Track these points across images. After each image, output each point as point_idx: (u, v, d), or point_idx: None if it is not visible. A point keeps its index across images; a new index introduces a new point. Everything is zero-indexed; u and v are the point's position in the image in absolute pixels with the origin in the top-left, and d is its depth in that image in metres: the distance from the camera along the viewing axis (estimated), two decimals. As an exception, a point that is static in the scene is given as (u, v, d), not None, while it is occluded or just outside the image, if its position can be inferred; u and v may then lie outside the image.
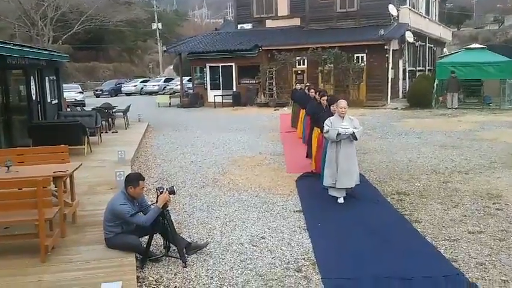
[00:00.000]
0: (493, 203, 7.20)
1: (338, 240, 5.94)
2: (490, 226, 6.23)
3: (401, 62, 25.83)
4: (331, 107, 7.73)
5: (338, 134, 6.96)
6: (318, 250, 5.58)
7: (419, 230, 6.20)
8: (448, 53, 31.49)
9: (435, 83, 22.29)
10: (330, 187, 7.40)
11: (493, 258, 5.21)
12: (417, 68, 29.72)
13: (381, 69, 23.60)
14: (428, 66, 32.01)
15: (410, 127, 15.70)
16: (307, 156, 10.27)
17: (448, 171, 9.41)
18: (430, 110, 20.88)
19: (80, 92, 29.98)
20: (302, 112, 12.70)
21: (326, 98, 8.92)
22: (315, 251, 5.55)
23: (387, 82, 23.70)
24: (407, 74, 27.09)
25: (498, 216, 6.62)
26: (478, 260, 5.20)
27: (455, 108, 20.87)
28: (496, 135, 13.44)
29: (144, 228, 5.33)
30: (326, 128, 7.15)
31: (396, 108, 21.85)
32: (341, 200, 7.32)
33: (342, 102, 7.21)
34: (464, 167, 9.67)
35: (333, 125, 7.08)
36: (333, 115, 7.45)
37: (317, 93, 10.26)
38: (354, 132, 7.01)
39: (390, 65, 23.75)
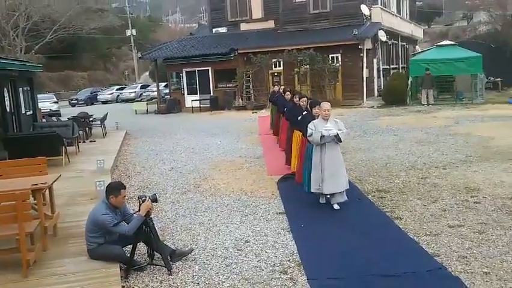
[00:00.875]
0: (471, 197, 7.35)
1: (322, 240, 5.99)
2: (469, 219, 6.36)
3: (375, 60, 26.17)
4: (313, 110, 7.53)
5: (322, 137, 6.76)
6: (302, 251, 5.61)
7: (400, 226, 6.29)
8: (420, 51, 32.08)
9: (409, 81, 22.66)
10: (318, 193, 7.23)
11: (474, 251, 5.32)
12: (391, 66, 30.13)
13: (356, 68, 23.86)
14: (402, 64, 32.49)
15: (386, 125, 15.91)
16: (287, 163, 9.97)
17: (426, 167, 9.58)
18: (405, 107, 21.20)
19: (55, 102, 29.55)
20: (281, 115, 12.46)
21: (304, 99, 8.85)
22: (300, 252, 5.58)
23: (363, 81, 23.97)
24: (381, 72, 27.45)
25: (476, 209, 6.76)
26: (459, 253, 5.30)
27: (429, 105, 21.24)
28: (470, 130, 13.73)
29: (127, 238, 5.28)
30: (309, 131, 6.94)
31: (372, 107, 22.12)
32: (336, 207, 7.09)
33: (326, 105, 7.04)
34: (441, 162, 9.84)
35: (317, 128, 6.87)
36: (314, 118, 7.32)
37: (294, 96, 10.12)
38: (338, 134, 6.82)
39: (365, 64, 24.04)
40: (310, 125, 7.00)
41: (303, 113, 8.35)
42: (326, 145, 6.92)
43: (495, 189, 7.65)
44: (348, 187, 7.19)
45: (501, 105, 19.59)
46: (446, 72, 22.13)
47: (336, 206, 7.09)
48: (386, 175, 9.11)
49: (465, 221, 6.33)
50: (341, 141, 6.97)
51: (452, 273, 4.83)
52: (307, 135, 7.02)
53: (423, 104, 21.38)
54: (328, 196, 7.18)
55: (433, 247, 5.53)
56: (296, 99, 9.47)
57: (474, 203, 7.06)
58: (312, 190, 7.20)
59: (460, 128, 14.20)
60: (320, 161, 7.00)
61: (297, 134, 8.90)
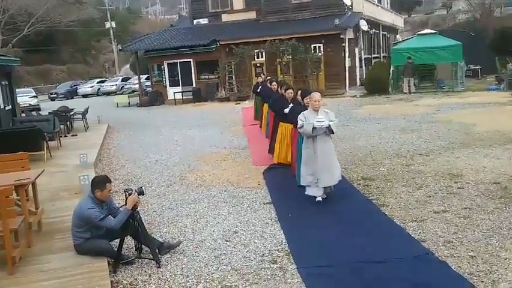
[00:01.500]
0: (455, 182, 7.45)
1: (309, 229, 6.01)
2: (454, 205, 6.44)
3: (357, 50, 26.27)
4: (304, 100, 7.28)
5: (314, 129, 6.47)
6: (291, 240, 5.63)
7: (386, 213, 6.35)
8: (401, 40, 32.30)
9: (391, 69, 22.82)
10: (308, 186, 6.93)
11: (459, 236, 5.40)
12: (373, 56, 30.29)
13: (338, 58, 23.92)
14: (383, 53, 32.71)
15: (369, 113, 16.01)
16: (269, 152, 9.93)
17: (410, 154, 9.67)
18: (388, 96, 21.35)
19: (34, 96, 29.03)
20: (265, 106, 12.26)
21: (290, 91, 8.69)
22: (288, 242, 5.60)
23: (345, 71, 24.06)
24: (363, 61, 27.58)
25: (460, 194, 6.86)
26: (445, 238, 5.37)
27: (411, 93, 21.42)
28: (451, 117, 13.89)
29: (114, 232, 5.23)
30: (300, 122, 6.66)
31: (355, 96, 22.23)
32: (319, 199, 6.89)
33: (316, 95, 6.76)
34: (424, 149, 9.95)
35: (308, 119, 6.58)
36: (303, 108, 7.13)
37: (280, 87, 9.96)
38: (329, 125, 6.55)
39: (347, 54, 24.11)
40: (300, 116, 6.73)
41: (290, 105, 8.17)
42: (317, 137, 6.65)
43: (477, 175, 7.76)
44: (341, 178, 7.03)
45: (481, 93, 19.87)
46: (427, 61, 22.33)
47: (319, 198, 6.93)
48: (370, 163, 9.17)
49: (450, 206, 6.41)
50: (333, 133, 6.73)
51: (439, 258, 4.90)
52: (298, 127, 6.76)
53: (405, 93, 21.56)
54: (326, 191, 6.92)
55: (419, 233, 5.59)
56: (282, 91, 9.32)
57: (458, 188, 7.16)
58: (302, 183, 6.99)
59: (441, 116, 14.36)
60: (312, 154, 6.72)
61: (284, 126, 8.76)
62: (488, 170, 7.97)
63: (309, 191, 6.95)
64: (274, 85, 11.08)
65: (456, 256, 4.90)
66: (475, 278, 4.44)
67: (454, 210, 6.26)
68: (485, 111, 14.63)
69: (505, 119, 12.77)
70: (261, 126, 13.31)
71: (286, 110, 8.29)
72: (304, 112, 6.78)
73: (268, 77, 13.67)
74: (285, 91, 8.96)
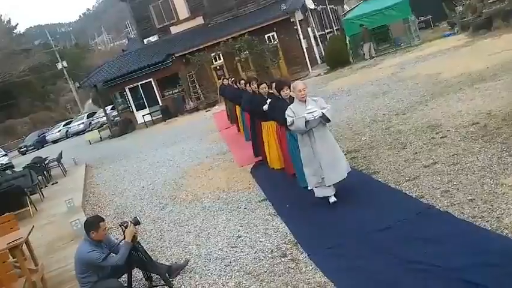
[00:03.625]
0: (436, 133, 7.55)
1: (309, 215, 6.02)
2: (441, 155, 6.53)
3: (309, 29, 26.39)
4: (281, 93, 6.47)
5: (307, 122, 5.68)
6: (295, 230, 5.63)
7: (380, 180, 6.40)
8: (349, 9, 32.61)
9: (347, 40, 23.01)
10: (316, 187, 6.14)
11: (454, 183, 5.47)
12: (326, 31, 30.49)
13: (294, 41, 24.05)
14: (335, 26, 32.94)
15: (338, 87, 16.12)
16: (256, 156, 9.35)
17: (386, 117, 9.77)
18: (350, 67, 21.53)
19: (5, 155, 28.38)
20: (238, 108, 11.78)
21: (264, 86, 7.87)
22: (293, 232, 5.60)
23: (303, 52, 24.20)
24: (319, 39, 27.74)
25: (445, 143, 6.95)
26: (441, 189, 5.44)
27: (372, 58, 21.64)
28: (417, 71, 14.09)
29: (120, 268, 5.14)
30: (289, 119, 5.83)
31: (319, 74, 22.37)
32: (333, 200, 6.09)
33: (299, 84, 5.95)
34: (399, 109, 10.06)
35: (297, 113, 5.78)
36: (285, 101, 6.38)
37: (248, 83, 9.08)
38: (323, 113, 5.74)
39: (301, 36, 24.23)
40: (288, 113, 5.89)
41: (267, 101, 7.41)
42: (313, 131, 5.87)
43: (456, 120, 7.88)
44: (350, 169, 6.20)
45: (438, 41, 20.18)
46: (379, 23, 22.60)
47: (332, 199, 6.09)
48: (351, 135, 9.23)
49: (437, 157, 6.50)
50: (329, 121, 5.92)
51: (441, 209, 4.96)
52: (288, 124, 5.93)
53: (367, 59, 21.78)
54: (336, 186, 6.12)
55: (416, 190, 5.65)
56: (254, 86, 8.51)
57: (440, 138, 7.26)
58: (311, 187, 6.19)
59: (407, 73, 14.55)
60: (312, 151, 5.94)
61: (267, 125, 8.09)
62: (465, 113, 8.10)
63: (319, 193, 6.16)
64: (242, 84, 10.29)
65: (456, 204, 4.97)
66: (479, 219, 4.50)
67: (443, 160, 6.34)
68: (446, 58, 14.87)
69: (467, 61, 13.00)
70: (239, 130, 12.78)
71: (265, 107, 7.47)
72: (290, 107, 5.94)
73: (233, 78, 13.23)
74: (258, 87, 8.14)
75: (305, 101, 5.87)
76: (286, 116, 5.90)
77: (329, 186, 6.01)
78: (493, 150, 6.04)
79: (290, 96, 6.35)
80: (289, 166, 7.34)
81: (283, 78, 7.31)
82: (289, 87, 6.37)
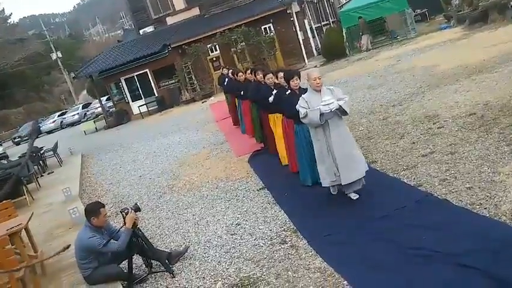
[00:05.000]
0: (433, 123, 7.61)
1: (308, 203, 6.05)
2: (439, 144, 6.58)
3: (306, 21, 26.38)
4: (291, 83, 6.10)
5: (321, 115, 5.22)
6: (294, 218, 5.67)
7: (378, 169, 6.45)
8: (345, 1, 32.55)
9: (343, 33, 23.01)
10: (332, 186, 5.77)
11: (452, 172, 5.53)
12: (323, 23, 30.48)
13: (290, 33, 24.03)
14: (332, 18, 32.91)
15: (334, 79, 16.14)
16: (264, 147, 8.97)
17: (383, 108, 9.81)
18: (347, 59, 21.56)
19: (-1, 145, 28.28)
20: (237, 100, 11.18)
21: (270, 75, 7.31)
22: (292, 219, 5.64)
23: (300, 44, 24.17)
24: (315, 31, 27.73)
25: (442, 133, 7.01)
26: (439, 177, 5.49)
27: (368, 50, 21.66)
28: (413, 63, 14.13)
29: (121, 254, 5.17)
30: (302, 111, 5.35)
31: (316, 66, 22.35)
32: (354, 196, 5.63)
33: (314, 72, 5.47)
34: (396, 100, 10.10)
35: (311, 104, 5.31)
36: (295, 93, 6.00)
37: (253, 73, 8.44)
38: (340, 106, 5.24)
39: (298, 27, 24.20)
40: (301, 104, 5.41)
41: (274, 92, 6.99)
42: (328, 124, 5.36)
43: (453, 111, 7.93)
44: (368, 168, 5.70)
45: (434, 34, 20.24)
46: (375, 16, 22.61)
47: (353, 196, 5.64)
48: (349, 126, 9.19)
49: (435, 147, 6.55)
50: (346, 114, 5.39)
51: (439, 197, 5.01)
52: (301, 117, 5.44)
53: (363, 51, 21.79)
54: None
55: (414, 179, 5.71)
56: (260, 77, 7.91)
57: (438, 128, 7.31)
58: (325, 185, 5.75)
59: (403, 65, 14.59)
60: (326, 147, 5.46)
61: (273, 117, 7.58)
62: (462, 104, 8.15)
63: (335, 192, 5.89)
64: (241, 75, 10.00)
65: (454, 191, 5.02)
66: (478, 206, 4.56)
67: (440, 149, 6.39)
68: (443, 50, 14.92)
69: (463, 53, 13.06)
70: (235, 124, 12.41)
71: (271, 99, 7.05)
72: (304, 97, 5.48)
73: (231, 70, 12.73)
74: (264, 77, 7.59)
75: (320, 91, 5.41)
76: (298, 108, 5.47)
77: (344, 186, 5.53)
78: (490, 140, 6.10)
79: (300, 87, 6.09)
80: (293, 163, 6.99)
81: (292, 70, 6.73)
82: (299, 77, 6.13)
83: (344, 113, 5.33)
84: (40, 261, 5.62)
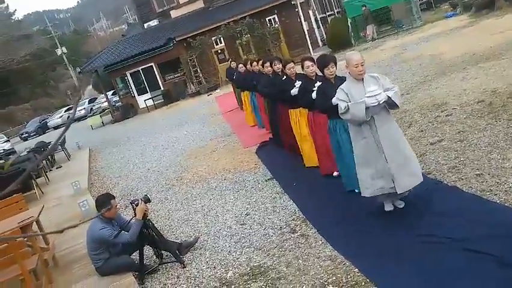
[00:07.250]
0: (442, 111, 7.57)
1: (317, 192, 6.07)
2: (447, 132, 6.56)
3: (310, 12, 26.26)
4: (325, 72, 5.19)
5: (367, 109, 4.30)
6: (303, 207, 5.68)
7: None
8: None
9: (348, 22, 22.88)
10: (379, 195, 4.66)
11: (461, 159, 5.51)
12: (327, 14, 30.32)
13: (295, 24, 23.91)
14: (336, 8, 32.73)
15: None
16: (285, 146, 7.99)
17: (391, 97, 9.75)
18: (352, 48, 21.40)
19: (7, 141, 28.47)
20: (245, 94, 11.01)
21: (292, 65, 6.56)
22: (301, 209, 5.65)
23: (305, 35, 24.08)
24: (320, 22, 27.60)
25: (450, 121, 6.98)
26: (448, 165, 5.48)
27: (374, 39, 21.54)
28: (419, 52, 14.04)
29: (132, 245, 5.23)
30: (342, 105, 4.42)
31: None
32: (400, 204, 4.80)
33: (355, 56, 4.51)
34: (403, 89, 10.05)
35: (352, 96, 4.41)
36: (332, 82, 5.16)
37: (271, 63, 7.48)
38: (389, 97, 4.35)
39: (302, 18, 24.10)
40: (339, 96, 4.51)
41: (296, 84, 6.26)
42: (374, 119, 4.42)
43: (461, 99, 7.89)
44: (421, 170, 4.92)
45: (440, 22, 20.08)
46: (380, 5, 22.44)
47: (399, 204, 4.83)
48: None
49: (443, 134, 6.53)
50: (397, 107, 4.54)
51: (449, 184, 5.00)
52: (340, 112, 4.48)
53: (368, 41, 21.67)
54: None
55: (423, 167, 5.68)
56: (277, 67, 7.16)
57: (446, 116, 7.28)
58: (367, 194, 4.68)
59: (409, 53, 14.50)
60: (374, 146, 4.48)
61: (295, 113, 6.72)
62: (470, 92, 8.10)
63: (391, 207, 4.86)
64: (255, 66, 9.34)
65: (464, 178, 5.01)
66: (488, 193, 4.55)
67: (449, 137, 6.37)
68: (449, 38, 14.81)
69: (470, 41, 12.95)
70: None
71: (294, 91, 6.27)
72: (342, 87, 4.56)
73: (236, 60, 12.45)
74: (285, 67, 6.75)
75: (363, 80, 4.50)
76: (336, 101, 4.59)
77: (392, 195, 4.66)
78: (499, 127, 6.07)
79: (336, 75, 5.20)
80: (325, 165, 6.22)
81: (326, 54, 5.74)
82: (335, 64, 5.21)
83: (394, 105, 4.45)
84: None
